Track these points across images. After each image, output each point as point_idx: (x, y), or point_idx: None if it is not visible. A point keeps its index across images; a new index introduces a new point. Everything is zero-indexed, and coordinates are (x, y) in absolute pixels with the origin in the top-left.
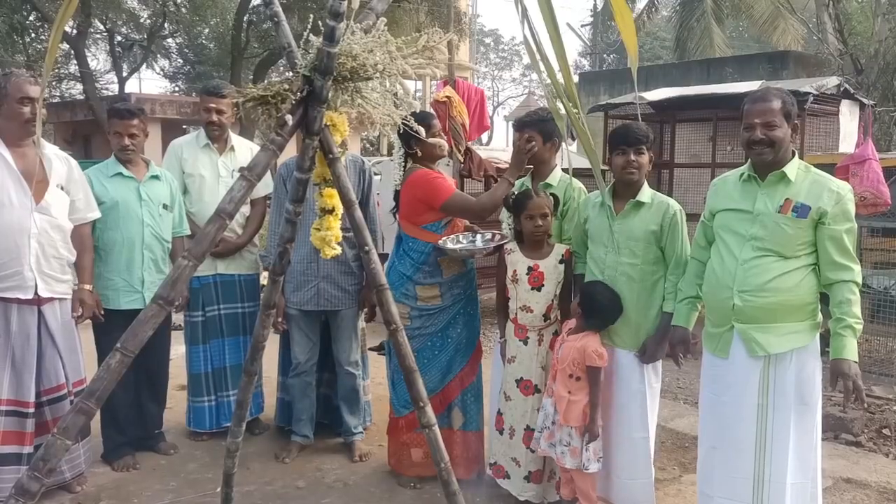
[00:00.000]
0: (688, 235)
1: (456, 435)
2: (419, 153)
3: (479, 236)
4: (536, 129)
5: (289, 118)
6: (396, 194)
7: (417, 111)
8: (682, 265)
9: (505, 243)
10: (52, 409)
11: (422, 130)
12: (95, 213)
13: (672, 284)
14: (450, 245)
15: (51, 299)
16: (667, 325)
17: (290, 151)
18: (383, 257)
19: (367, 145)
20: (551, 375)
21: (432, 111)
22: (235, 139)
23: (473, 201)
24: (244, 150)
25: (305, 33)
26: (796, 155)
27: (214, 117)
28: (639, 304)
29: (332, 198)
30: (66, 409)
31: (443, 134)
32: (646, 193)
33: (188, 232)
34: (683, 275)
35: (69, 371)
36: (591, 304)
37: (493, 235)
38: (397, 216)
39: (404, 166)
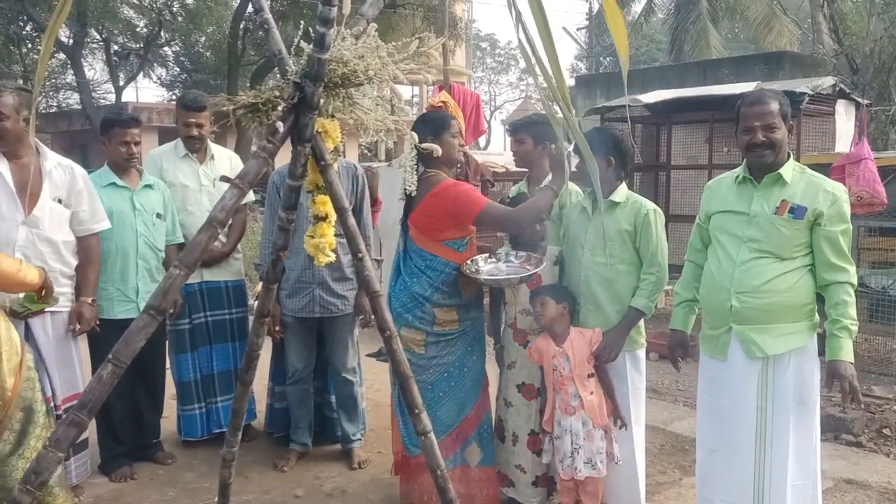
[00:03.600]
0: (681, 237)
1: (473, 473)
2: (437, 155)
3: (509, 258)
4: (528, 133)
5: (280, 125)
6: (408, 202)
7: (428, 112)
8: (657, 264)
9: (542, 266)
10: None
11: (414, 136)
12: (102, 224)
13: (645, 282)
14: (486, 276)
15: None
16: (631, 319)
17: (284, 158)
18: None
19: (365, 151)
20: (563, 392)
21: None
22: (214, 147)
23: (512, 211)
24: (223, 158)
25: (296, 40)
26: (791, 156)
27: (195, 131)
28: (614, 304)
29: (325, 205)
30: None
31: (461, 137)
32: (620, 193)
33: (181, 240)
34: (660, 273)
35: (57, 385)
36: (559, 293)
37: (529, 257)
38: (409, 229)
39: (417, 170)
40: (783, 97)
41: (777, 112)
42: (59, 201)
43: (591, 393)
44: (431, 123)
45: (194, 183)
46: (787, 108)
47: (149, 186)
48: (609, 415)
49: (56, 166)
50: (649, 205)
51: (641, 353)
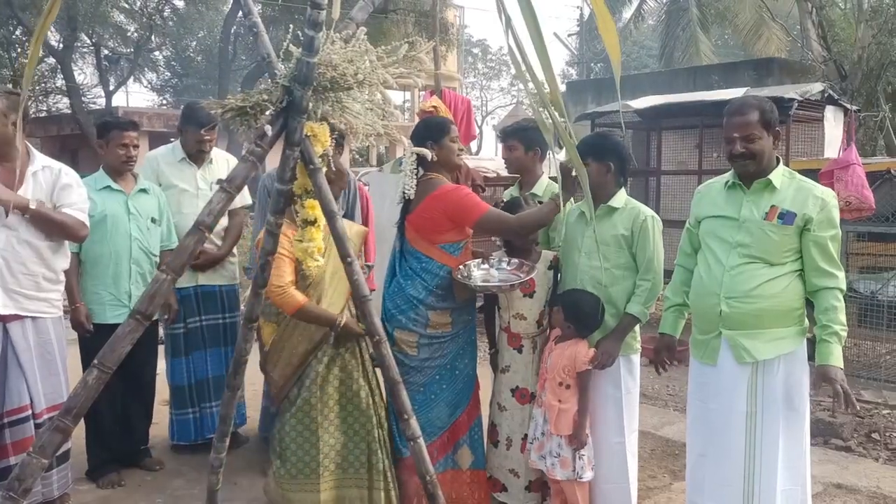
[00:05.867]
0: (671, 242)
1: (465, 476)
2: (434, 159)
3: (501, 264)
4: (518, 138)
5: (268, 129)
6: (406, 204)
7: (429, 118)
8: (652, 271)
9: (534, 273)
10: (13, 432)
11: (405, 140)
12: (85, 222)
13: (641, 288)
14: (479, 282)
15: (18, 317)
16: (627, 325)
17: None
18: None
19: (357, 156)
20: (539, 385)
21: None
22: (213, 151)
23: (513, 219)
24: (221, 161)
25: (285, 43)
26: (781, 162)
27: (206, 147)
28: (609, 308)
29: (314, 209)
30: (29, 433)
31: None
32: (619, 199)
33: (177, 244)
34: (655, 279)
35: (37, 392)
36: (577, 313)
37: (521, 264)
38: (405, 230)
39: (417, 174)
40: (767, 104)
41: (757, 122)
42: (42, 203)
43: (559, 401)
44: (431, 129)
45: (191, 187)
46: (770, 115)
47: (144, 191)
48: (563, 432)
49: (42, 169)
50: (647, 211)
51: (636, 357)
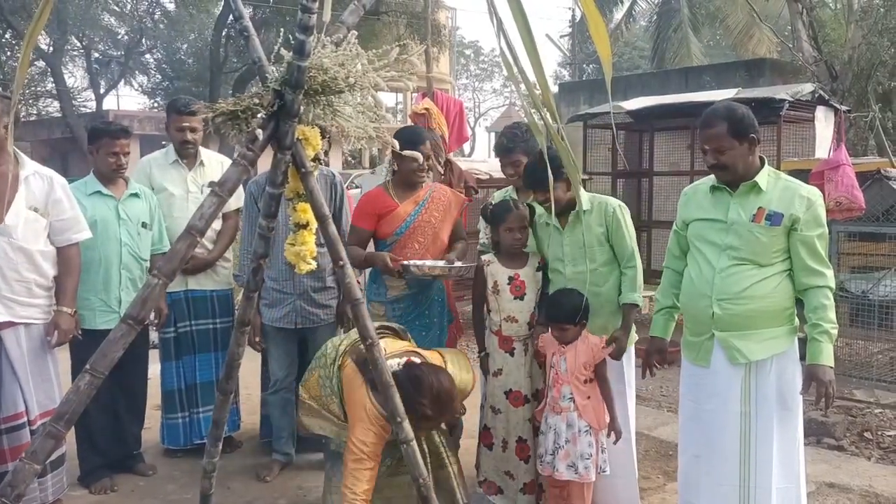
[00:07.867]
0: (665, 244)
1: None
2: (396, 168)
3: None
4: (522, 150)
5: (259, 133)
6: None
7: (407, 125)
8: (634, 257)
9: (469, 267)
10: (10, 438)
11: (395, 143)
12: (83, 234)
13: (627, 276)
14: (413, 264)
15: (11, 324)
16: (631, 315)
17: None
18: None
19: (349, 158)
20: (556, 391)
21: (431, 130)
22: (205, 153)
23: (349, 247)
24: (214, 164)
25: (276, 47)
26: (766, 163)
27: (189, 136)
28: (606, 307)
29: (306, 212)
30: (25, 439)
31: (434, 161)
32: (584, 200)
33: (168, 249)
34: (637, 264)
35: (31, 399)
36: (566, 311)
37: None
38: None
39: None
40: (739, 112)
41: (725, 133)
42: (35, 210)
43: (588, 398)
44: (405, 140)
45: (181, 190)
46: (742, 123)
47: (134, 195)
48: (604, 425)
49: (33, 175)
50: (613, 202)
51: (632, 349)
